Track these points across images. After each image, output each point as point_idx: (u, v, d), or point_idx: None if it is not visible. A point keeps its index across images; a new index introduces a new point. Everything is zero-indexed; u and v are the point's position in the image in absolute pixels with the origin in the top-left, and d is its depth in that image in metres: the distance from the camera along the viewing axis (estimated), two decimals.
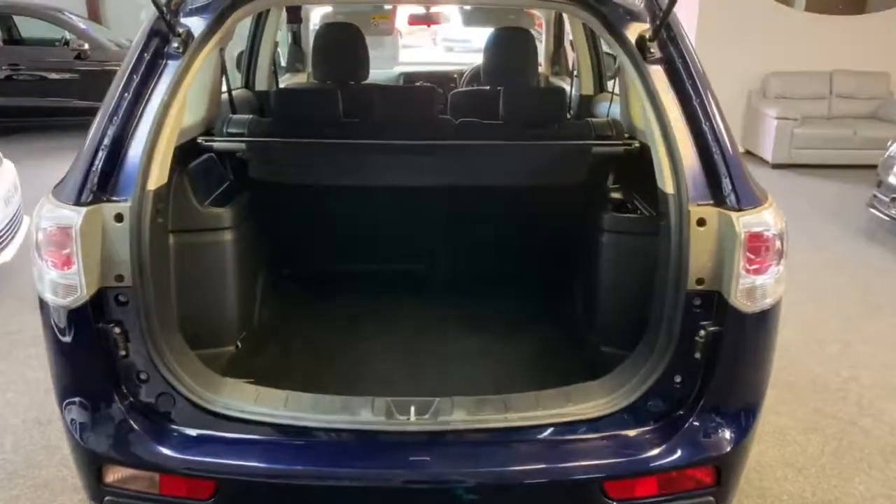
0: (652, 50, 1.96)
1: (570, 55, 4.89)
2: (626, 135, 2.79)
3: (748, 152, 8.63)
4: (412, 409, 1.88)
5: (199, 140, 2.62)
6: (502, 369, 2.55)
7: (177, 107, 1.93)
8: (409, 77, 5.49)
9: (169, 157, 1.94)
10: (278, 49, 4.41)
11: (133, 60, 1.92)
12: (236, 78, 3.96)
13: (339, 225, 3.05)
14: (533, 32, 4.31)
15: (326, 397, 1.95)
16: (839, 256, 5.51)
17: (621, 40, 2.00)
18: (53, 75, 9.47)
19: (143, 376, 1.87)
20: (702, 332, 1.84)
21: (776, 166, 8.18)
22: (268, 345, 2.71)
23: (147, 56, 1.93)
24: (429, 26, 5.67)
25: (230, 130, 2.74)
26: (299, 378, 2.41)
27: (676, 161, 1.86)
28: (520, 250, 3.13)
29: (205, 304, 2.51)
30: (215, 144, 2.66)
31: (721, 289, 1.83)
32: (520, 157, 2.78)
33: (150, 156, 1.84)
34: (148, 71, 1.93)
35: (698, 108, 1.91)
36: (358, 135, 2.73)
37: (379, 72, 5.37)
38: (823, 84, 8.68)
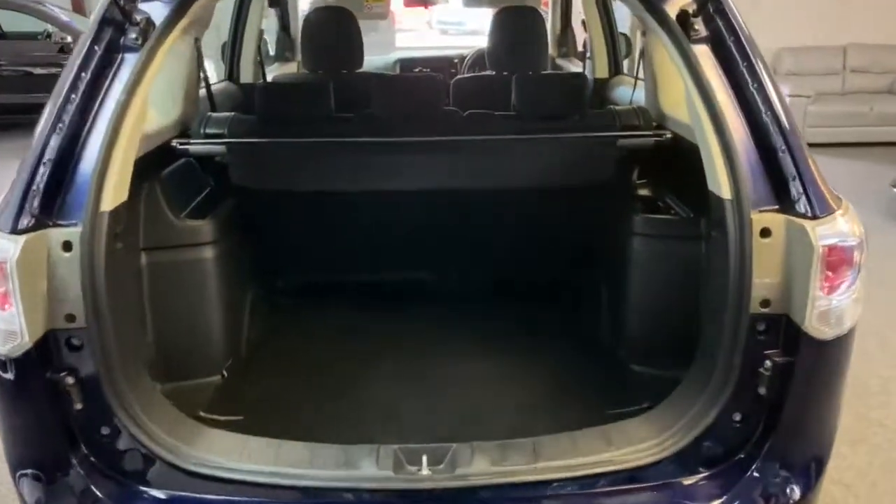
0: (696, 27, 1.67)
1: (578, 35, 4.61)
2: (655, 124, 2.49)
3: None
4: (424, 458, 1.60)
5: (174, 143, 2.32)
6: (524, 396, 2.28)
7: (136, 108, 1.64)
8: (407, 64, 5.19)
9: (128, 168, 1.66)
10: (265, 37, 4.10)
11: (82, 55, 1.62)
12: (223, 70, 3.67)
13: (336, 231, 2.76)
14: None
15: (324, 448, 1.67)
16: (869, 243, 5.21)
17: (660, 16, 1.70)
18: (38, 70, 9.14)
19: (104, 432, 1.59)
20: (767, 364, 1.56)
21: None
22: (258, 372, 2.43)
23: (99, 49, 1.64)
24: (426, 7, 5.37)
25: (208, 131, 2.43)
26: (293, 413, 2.15)
27: (734, 160, 1.57)
28: (537, 257, 2.85)
29: (185, 330, 2.25)
30: (191, 147, 2.36)
31: (790, 312, 1.56)
32: (537, 153, 2.48)
33: (104, 170, 1.56)
34: (101, 67, 1.64)
35: (756, 95, 1.62)
36: (352, 131, 2.43)
37: (373, 58, 5.09)
38: (837, 59, 8.42)
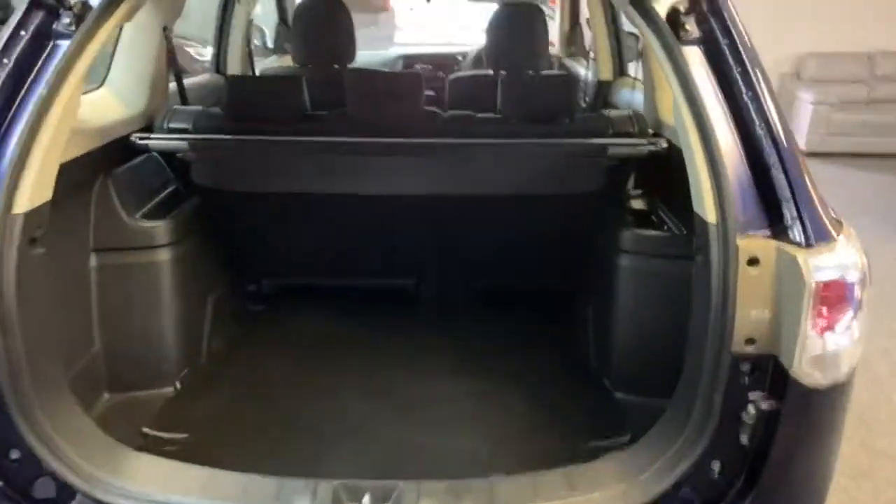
0: (688, 27, 1.50)
1: (588, 34, 4.43)
2: (651, 131, 2.31)
3: None
4: (367, 497, 1.45)
5: (133, 137, 2.19)
6: (496, 422, 2.12)
7: (64, 101, 1.50)
8: (409, 60, 5.03)
9: (52, 167, 1.53)
10: (256, 26, 3.97)
11: (3, 41, 1.48)
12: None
13: (306, 235, 2.62)
14: (546, 9, 3.87)
15: (259, 480, 1.53)
16: (884, 260, 4.95)
17: (647, 14, 1.53)
18: None
19: (14, 456, 1.45)
20: (751, 409, 1.39)
21: (810, 155, 7.63)
22: (214, 385, 2.29)
23: (26, 34, 1.49)
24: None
25: (172, 125, 2.29)
26: (239, 433, 2.02)
27: (721, 176, 1.40)
28: (520, 270, 2.69)
29: (136, 338, 2.14)
30: (151, 143, 2.23)
31: (779, 353, 1.38)
32: (519, 159, 2.32)
33: (19, 169, 1.42)
34: (29, 55, 1.49)
35: (750, 105, 1.45)
36: (324, 130, 2.28)
37: (374, 53, 4.93)
38: (863, 65, 8.12)
